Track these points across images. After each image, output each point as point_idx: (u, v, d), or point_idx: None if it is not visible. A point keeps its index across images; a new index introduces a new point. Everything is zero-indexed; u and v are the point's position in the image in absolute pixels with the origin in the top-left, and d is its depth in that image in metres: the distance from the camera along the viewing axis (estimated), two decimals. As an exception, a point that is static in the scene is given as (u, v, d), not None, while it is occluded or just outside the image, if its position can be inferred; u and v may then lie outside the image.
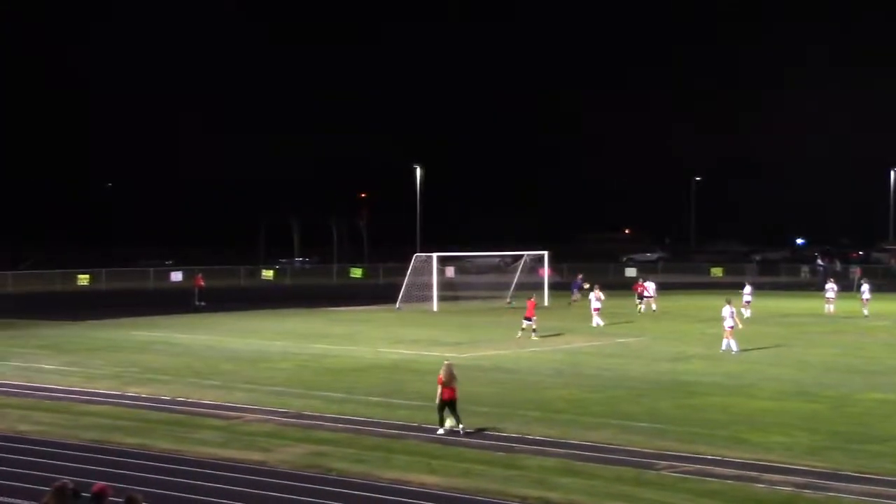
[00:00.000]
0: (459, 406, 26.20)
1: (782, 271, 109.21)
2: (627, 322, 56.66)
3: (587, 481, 21.46)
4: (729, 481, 21.41)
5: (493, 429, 26.58)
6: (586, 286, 67.44)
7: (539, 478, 21.74)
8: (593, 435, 25.73)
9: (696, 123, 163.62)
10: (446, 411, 26.02)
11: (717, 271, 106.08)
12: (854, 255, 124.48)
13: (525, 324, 48.27)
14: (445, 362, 26.78)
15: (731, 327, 42.52)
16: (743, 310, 46.87)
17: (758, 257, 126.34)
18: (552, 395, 31.96)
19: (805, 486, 20.97)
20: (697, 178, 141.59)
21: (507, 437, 25.78)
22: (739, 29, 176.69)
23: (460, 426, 25.86)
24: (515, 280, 72.58)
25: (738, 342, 42.50)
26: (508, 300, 70.00)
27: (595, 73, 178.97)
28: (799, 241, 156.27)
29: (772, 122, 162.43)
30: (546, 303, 68.86)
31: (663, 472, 22.20)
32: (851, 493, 20.57)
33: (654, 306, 63.33)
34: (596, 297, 55.13)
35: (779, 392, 32.52)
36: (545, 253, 73.53)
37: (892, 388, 33.14)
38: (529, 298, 50.13)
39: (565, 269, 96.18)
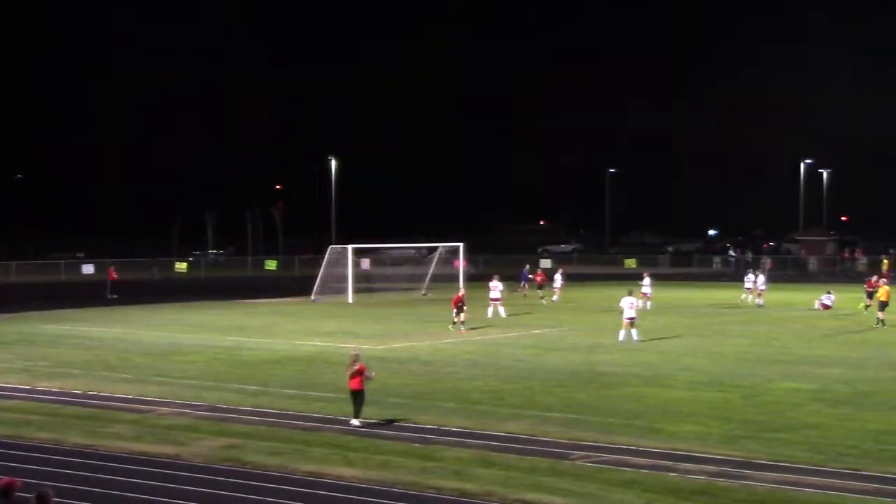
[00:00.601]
0: (377, 397, 26.10)
1: (695, 262, 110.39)
2: (543, 313, 56.89)
3: (503, 472, 21.46)
4: (644, 470, 21.54)
5: (410, 420, 26.52)
6: (531, 276, 68.01)
7: (456, 469, 21.71)
8: (509, 426, 25.76)
9: (613, 116, 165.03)
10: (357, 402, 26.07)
11: (630, 263, 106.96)
12: (765, 245, 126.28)
13: (460, 316, 47.67)
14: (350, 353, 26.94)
15: (632, 318, 42.70)
16: (639, 301, 47.31)
17: (671, 249, 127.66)
18: (468, 387, 31.96)
19: (718, 475, 21.15)
20: (612, 170, 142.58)
21: (424, 428, 25.73)
22: (655, 27, 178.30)
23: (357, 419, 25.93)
24: (431, 271, 72.65)
25: (640, 332, 42.96)
26: (424, 291, 70.05)
27: (512, 64, 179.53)
28: (711, 232, 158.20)
29: (686, 115, 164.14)
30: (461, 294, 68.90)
31: (579, 463, 22.27)
32: (764, 481, 20.78)
33: (555, 297, 63.73)
34: (493, 287, 54.04)
35: (692, 382, 32.81)
36: (461, 245, 73.61)
37: (803, 378, 33.58)
38: (458, 292, 49.86)
39: (480, 260, 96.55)
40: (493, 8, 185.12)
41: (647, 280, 60.32)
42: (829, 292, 60.28)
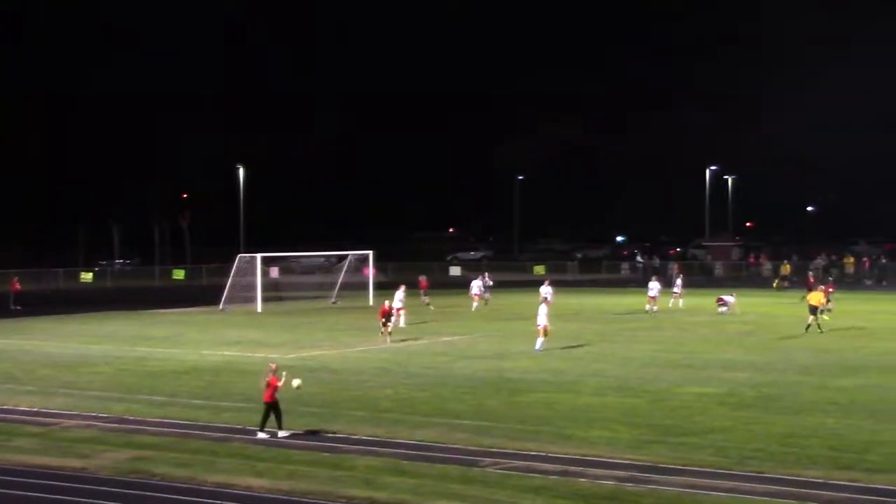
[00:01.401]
0: (286, 406, 25.97)
1: (603, 269, 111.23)
2: (453, 321, 56.96)
3: (414, 480, 21.44)
4: (553, 477, 21.64)
5: (320, 430, 26.39)
6: (490, 283, 67.70)
7: (366, 478, 21.65)
8: (420, 434, 25.74)
9: (520, 123, 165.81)
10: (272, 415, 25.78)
11: (539, 269, 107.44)
12: (672, 251, 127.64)
13: (387, 326, 46.30)
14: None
15: (543, 326, 42.47)
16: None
17: (579, 255, 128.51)
18: (378, 395, 31.90)
19: (627, 480, 21.32)
20: (521, 178, 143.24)
21: (334, 437, 25.64)
22: (560, 32, 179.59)
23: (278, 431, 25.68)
24: (340, 280, 72.41)
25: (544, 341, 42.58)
26: (333, 300, 69.80)
27: (421, 71, 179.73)
28: (619, 238, 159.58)
29: (594, 121, 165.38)
30: (370, 302, 68.82)
31: (489, 470, 22.32)
32: (672, 485, 20.99)
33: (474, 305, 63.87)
34: (399, 299, 53.07)
35: (601, 388, 33.04)
36: (370, 252, 73.46)
37: (709, 382, 33.96)
38: (384, 303, 48.34)
39: (390, 268, 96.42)
40: (409, 12, 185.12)
41: (546, 288, 60.03)
42: (730, 295, 61.05)
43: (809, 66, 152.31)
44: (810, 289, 58.71)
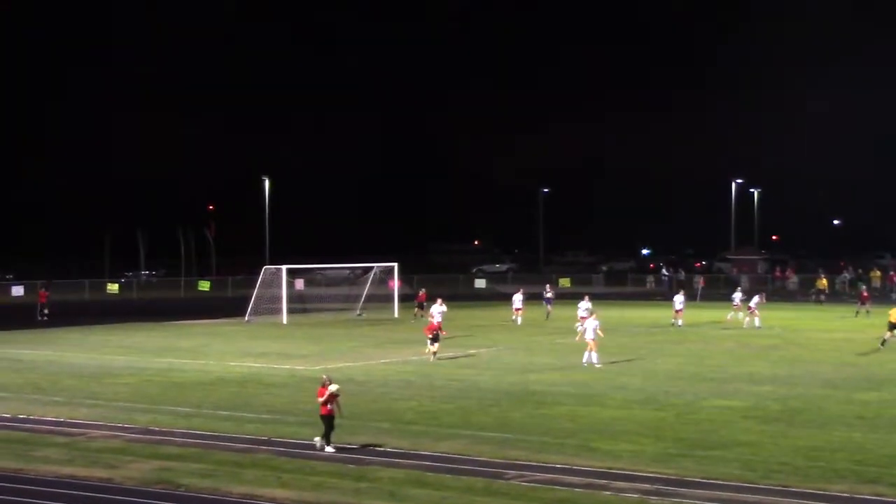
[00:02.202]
0: (311, 419, 26.04)
1: (629, 281, 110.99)
2: (478, 334, 56.94)
3: (438, 492, 21.46)
4: (578, 489, 21.62)
5: (344, 441, 26.42)
6: (550, 295, 67.06)
7: (390, 489, 21.68)
8: (444, 446, 25.76)
9: (548, 135, 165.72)
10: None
11: (565, 282, 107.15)
12: (698, 265, 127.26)
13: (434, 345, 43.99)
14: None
15: (593, 339, 41.71)
16: (578, 325, 46.76)
17: (605, 268, 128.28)
18: (403, 407, 31.93)
19: (652, 493, 21.29)
20: (546, 190, 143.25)
21: (358, 449, 25.66)
22: (584, 48, 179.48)
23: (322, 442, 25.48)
24: (365, 292, 72.48)
25: (599, 355, 41.90)
26: (358, 312, 69.90)
27: (448, 81, 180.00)
28: (644, 251, 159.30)
29: (619, 135, 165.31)
30: (396, 315, 68.93)
31: (513, 482, 22.32)
32: (697, 498, 20.95)
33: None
34: (438, 312, 52.60)
35: (626, 401, 32.98)
36: (395, 265, 73.55)
37: (734, 395, 33.87)
38: (431, 319, 47.45)
39: (415, 280, 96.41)
40: (419, 22, 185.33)
41: (583, 304, 59.62)
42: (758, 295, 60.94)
43: (839, 80, 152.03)
44: (863, 302, 62.78)
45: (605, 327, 58.35)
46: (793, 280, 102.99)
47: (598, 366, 41.02)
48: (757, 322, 59.23)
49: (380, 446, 25.91)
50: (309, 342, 52.83)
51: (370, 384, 37.17)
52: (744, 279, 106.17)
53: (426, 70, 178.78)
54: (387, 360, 44.46)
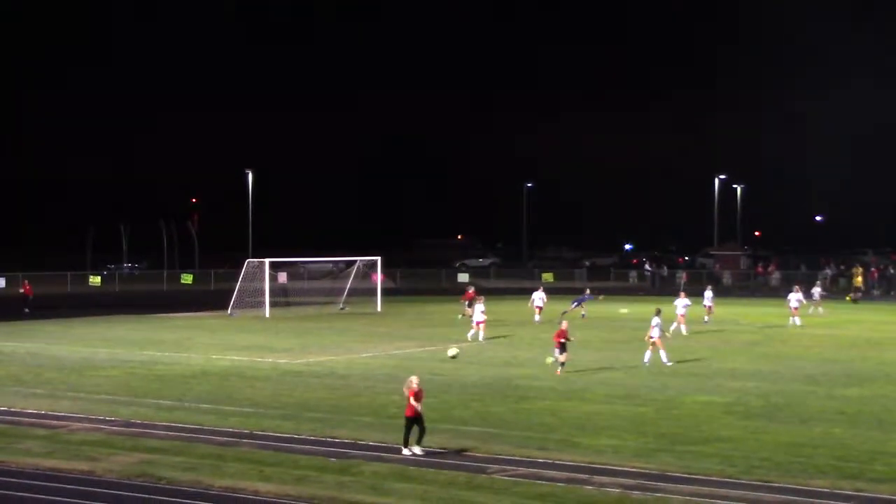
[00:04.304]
0: (295, 412, 25.98)
1: (612, 276, 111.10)
2: (461, 328, 56.93)
3: (420, 486, 21.49)
4: (560, 484, 21.66)
5: (328, 435, 26.44)
6: (601, 297, 65.75)
7: (373, 483, 21.70)
8: (426, 440, 25.72)
9: (533, 130, 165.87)
10: (414, 429, 24.37)
11: (548, 277, 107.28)
12: (680, 260, 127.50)
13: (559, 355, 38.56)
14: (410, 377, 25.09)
15: (658, 337, 40.54)
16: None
17: (588, 263, 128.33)
18: (385, 401, 31.92)
19: (634, 488, 21.34)
20: (529, 185, 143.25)
21: (342, 442, 25.67)
22: (568, 38, 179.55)
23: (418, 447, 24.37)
24: (349, 286, 72.48)
25: (651, 353, 40.64)
26: (342, 306, 69.88)
27: (430, 74, 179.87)
28: (627, 246, 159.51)
29: (602, 131, 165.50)
30: (379, 308, 68.94)
31: (495, 476, 22.34)
32: (678, 493, 21.00)
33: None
34: (480, 311, 49.98)
35: (608, 396, 33.05)
36: (378, 258, 73.56)
37: (716, 391, 33.96)
38: (560, 324, 40.05)
39: (398, 274, 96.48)
40: (399, 15, 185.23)
41: (708, 293, 59.46)
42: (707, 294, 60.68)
43: (820, 79, 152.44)
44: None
45: (585, 322, 58.76)
46: (775, 276, 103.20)
47: (668, 364, 40.11)
48: (821, 311, 62.59)
49: (362, 440, 25.91)
50: (292, 336, 52.79)
51: (353, 378, 37.18)
52: (726, 274, 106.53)
53: (411, 65, 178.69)
54: (369, 354, 44.45)
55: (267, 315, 64.63)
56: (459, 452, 24.67)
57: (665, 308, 43.84)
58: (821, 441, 25.92)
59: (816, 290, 66.09)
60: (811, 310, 63.21)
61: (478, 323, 49.82)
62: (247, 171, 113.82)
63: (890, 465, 23.35)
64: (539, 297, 61.24)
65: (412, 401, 24.27)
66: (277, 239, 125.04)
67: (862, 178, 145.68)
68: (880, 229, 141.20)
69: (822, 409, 30.68)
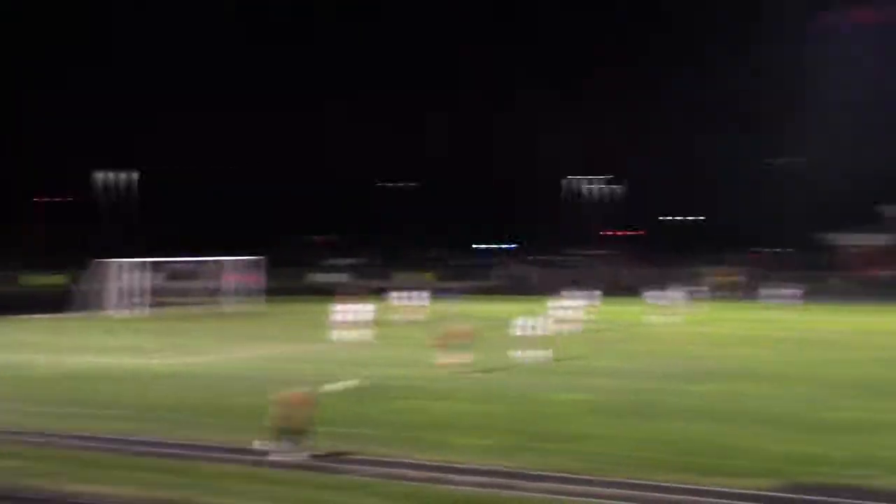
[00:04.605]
0: (166, 414, 25.74)
1: (473, 276, 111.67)
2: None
3: (276, 487, 21.52)
4: (419, 483, 21.77)
5: (176, 436, 26.17)
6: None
7: (222, 485, 21.67)
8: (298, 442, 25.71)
9: (402, 130, 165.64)
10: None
11: (426, 276, 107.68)
12: (555, 258, 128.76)
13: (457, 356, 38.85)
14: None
15: (534, 335, 41.26)
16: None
17: (452, 262, 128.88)
18: (245, 402, 31.40)
19: (492, 486, 21.53)
20: (400, 184, 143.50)
21: (192, 444, 25.39)
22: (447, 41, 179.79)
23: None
24: (227, 286, 72.03)
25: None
26: (224, 305, 69.44)
27: (308, 74, 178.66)
28: (493, 245, 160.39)
29: (473, 132, 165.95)
30: (250, 309, 68.68)
31: (355, 477, 22.37)
32: (538, 491, 21.26)
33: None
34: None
35: (471, 394, 33.26)
36: (258, 258, 73.24)
37: (579, 388, 34.39)
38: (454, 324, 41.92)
39: (269, 274, 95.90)
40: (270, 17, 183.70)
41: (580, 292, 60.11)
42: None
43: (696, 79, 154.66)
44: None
45: (457, 320, 58.98)
46: (639, 274, 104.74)
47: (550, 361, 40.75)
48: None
49: (212, 441, 25.75)
50: (168, 336, 52.27)
51: (216, 379, 36.87)
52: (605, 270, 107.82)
53: (295, 55, 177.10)
54: (238, 355, 44.21)
55: (142, 315, 63.97)
56: (336, 455, 24.63)
57: (543, 307, 44.19)
58: (677, 437, 26.47)
59: (690, 290, 67.34)
60: (686, 308, 64.42)
61: (352, 322, 49.89)
62: (130, 172, 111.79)
63: (742, 460, 23.91)
64: (415, 295, 61.59)
65: (294, 408, 24.19)
66: (154, 238, 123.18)
67: (741, 179, 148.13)
68: (742, 229, 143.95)
69: (678, 405, 31.29)
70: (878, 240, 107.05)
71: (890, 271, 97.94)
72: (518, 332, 41.10)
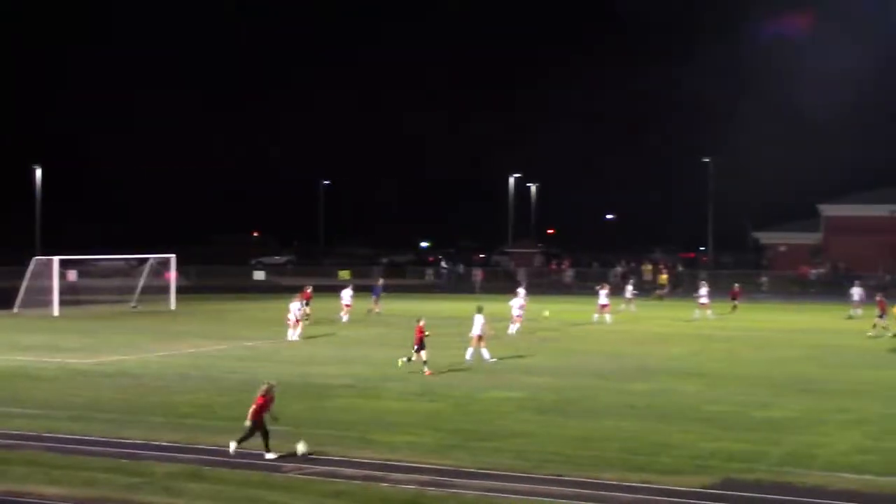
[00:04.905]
0: (83, 413, 25.33)
1: (408, 274, 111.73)
2: (258, 326, 56.48)
3: (214, 486, 21.19)
4: (356, 481, 21.62)
5: (118, 435, 25.84)
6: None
7: (165, 484, 21.29)
8: (221, 439, 25.39)
9: (327, 126, 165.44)
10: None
11: (344, 274, 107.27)
12: (476, 258, 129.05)
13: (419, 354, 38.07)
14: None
15: (480, 335, 40.74)
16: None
17: (385, 260, 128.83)
18: (178, 400, 31.40)
19: (429, 484, 21.44)
20: (326, 182, 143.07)
21: (132, 443, 25.11)
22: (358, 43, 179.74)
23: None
24: (141, 284, 71.13)
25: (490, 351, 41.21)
26: (134, 304, 68.53)
27: (232, 72, 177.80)
28: (423, 244, 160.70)
29: (397, 128, 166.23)
30: (172, 307, 67.88)
31: (291, 475, 22.18)
32: (473, 489, 21.17)
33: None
34: (518, 305, 51.77)
35: (405, 393, 33.15)
36: (172, 256, 72.37)
37: (511, 386, 34.39)
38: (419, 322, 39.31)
39: (193, 272, 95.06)
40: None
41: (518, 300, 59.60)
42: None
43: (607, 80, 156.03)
44: (734, 297, 67.35)
45: (382, 319, 58.89)
46: (568, 273, 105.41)
47: (491, 361, 40.23)
48: (709, 313, 63.33)
49: (154, 440, 25.40)
50: (82, 335, 51.47)
51: (145, 377, 36.46)
52: (521, 272, 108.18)
53: (218, 56, 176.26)
54: (162, 353, 43.65)
55: (56, 314, 62.92)
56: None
57: (482, 306, 43.72)
58: (610, 434, 26.51)
59: (629, 289, 67.82)
60: (622, 307, 64.81)
61: (296, 321, 49.21)
62: (34, 167, 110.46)
63: (675, 457, 24.01)
64: (348, 294, 60.43)
65: (258, 406, 23.86)
66: (67, 235, 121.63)
67: (653, 177, 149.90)
68: (669, 228, 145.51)
69: (611, 403, 31.39)
70: (808, 238, 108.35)
71: (819, 269, 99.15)
72: (477, 331, 40.83)
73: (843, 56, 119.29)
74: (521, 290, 60.79)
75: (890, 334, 51.80)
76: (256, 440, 23.84)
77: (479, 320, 40.93)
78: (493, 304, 64.90)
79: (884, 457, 24.15)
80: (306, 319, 53.14)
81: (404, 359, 38.24)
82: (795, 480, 21.95)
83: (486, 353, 40.70)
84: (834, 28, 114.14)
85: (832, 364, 41.39)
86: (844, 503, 20.43)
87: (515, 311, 52.65)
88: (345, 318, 58.96)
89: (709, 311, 63.40)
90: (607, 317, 58.78)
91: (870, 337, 51.79)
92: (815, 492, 21.17)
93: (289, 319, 49.30)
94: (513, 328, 52.21)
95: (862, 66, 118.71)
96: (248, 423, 23.97)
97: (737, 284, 72.47)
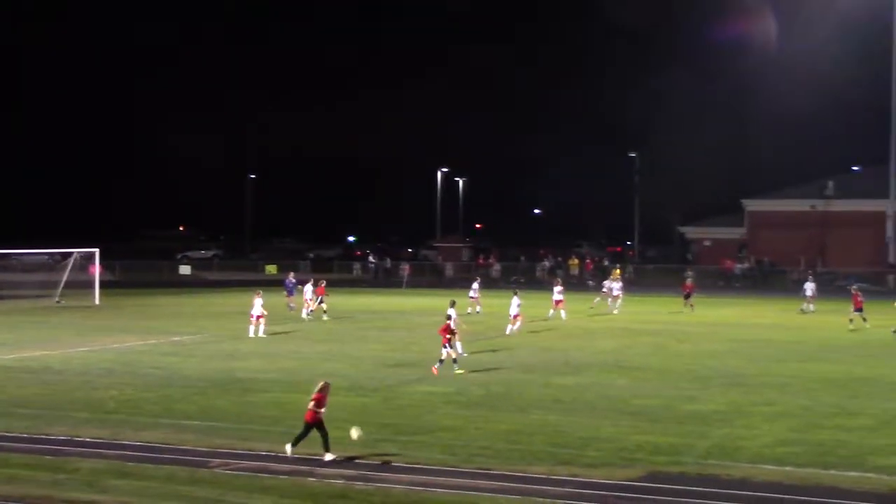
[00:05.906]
0: (5, 409, 24.99)
1: (335, 268, 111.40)
2: (182, 321, 56.11)
3: (140, 482, 21.01)
4: (283, 476, 21.55)
5: (41, 432, 25.53)
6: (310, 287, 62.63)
7: (89, 480, 21.07)
8: (146, 435, 25.21)
9: (252, 122, 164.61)
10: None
11: (271, 269, 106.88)
12: (405, 252, 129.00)
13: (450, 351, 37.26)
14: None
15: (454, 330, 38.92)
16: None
17: (312, 255, 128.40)
18: (103, 396, 31.09)
19: (356, 479, 21.40)
20: (252, 176, 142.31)
21: (55, 439, 24.82)
22: (296, 33, 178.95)
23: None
24: (64, 278, 70.30)
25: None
26: (57, 299, 67.72)
27: (150, 64, 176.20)
28: (350, 238, 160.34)
29: (324, 122, 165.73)
30: (97, 301, 67.17)
31: (217, 470, 22.05)
32: (401, 483, 21.17)
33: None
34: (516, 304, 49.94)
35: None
36: (96, 250, 71.61)
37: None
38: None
39: (118, 267, 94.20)
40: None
41: (475, 286, 59.90)
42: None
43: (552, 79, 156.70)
44: (688, 295, 64.23)
45: (314, 315, 58.68)
46: (496, 267, 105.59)
47: (463, 356, 39.47)
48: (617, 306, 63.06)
49: (78, 437, 25.13)
50: (3, 330, 50.76)
51: (69, 373, 36.04)
52: (448, 266, 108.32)
53: (124, 49, 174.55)
54: (87, 349, 43.18)
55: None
56: (352, 460, 23.99)
57: (415, 301, 43.37)
58: (538, 428, 26.60)
59: (617, 285, 66.99)
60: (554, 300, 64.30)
61: (258, 317, 48.44)
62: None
63: (602, 451, 24.15)
64: (309, 290, 59.06)
65: (314, 405, 23.45)
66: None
67: (579, 171, 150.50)
68: (596, 223, 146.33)
69: (539, 397, 31.50)
70: (733, 233, 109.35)
71: (743, 264, 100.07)
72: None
73: (767, 55, 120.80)
74: (476, 285, 61.02)
75: (869, 326, 52.35)
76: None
77: (451, 313, 40.04)
78: (420, 299, 65.18)
79: (806, 448, 24.46)
80: (323, 314, 56.53)
81: (456, 367, 36.77)
82: (720, 472, 22.17)
83: (459, 347, 39.69)
84: (762, 28, 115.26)
85: (759, 357, 41.77)
86: (767, 494, 20.66)
87: (514, 311, 50.71)
88: (305, 313, 57.44)
89: (619, 302, 63.44)
90: (562, 312, 58.48)
91: (851, 331, 52.09)
92: (739, 484, 21.39)
93: (306, 301, 54.62)
94: (512, 328, 50.33)
95: (787, 65, 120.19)
96: (313, 420, 23.30)
97: (689, 279, 69.22)
